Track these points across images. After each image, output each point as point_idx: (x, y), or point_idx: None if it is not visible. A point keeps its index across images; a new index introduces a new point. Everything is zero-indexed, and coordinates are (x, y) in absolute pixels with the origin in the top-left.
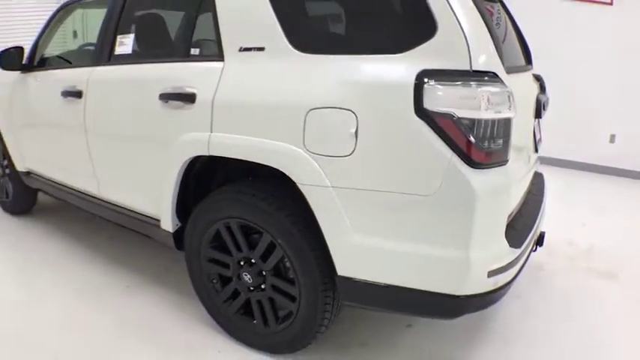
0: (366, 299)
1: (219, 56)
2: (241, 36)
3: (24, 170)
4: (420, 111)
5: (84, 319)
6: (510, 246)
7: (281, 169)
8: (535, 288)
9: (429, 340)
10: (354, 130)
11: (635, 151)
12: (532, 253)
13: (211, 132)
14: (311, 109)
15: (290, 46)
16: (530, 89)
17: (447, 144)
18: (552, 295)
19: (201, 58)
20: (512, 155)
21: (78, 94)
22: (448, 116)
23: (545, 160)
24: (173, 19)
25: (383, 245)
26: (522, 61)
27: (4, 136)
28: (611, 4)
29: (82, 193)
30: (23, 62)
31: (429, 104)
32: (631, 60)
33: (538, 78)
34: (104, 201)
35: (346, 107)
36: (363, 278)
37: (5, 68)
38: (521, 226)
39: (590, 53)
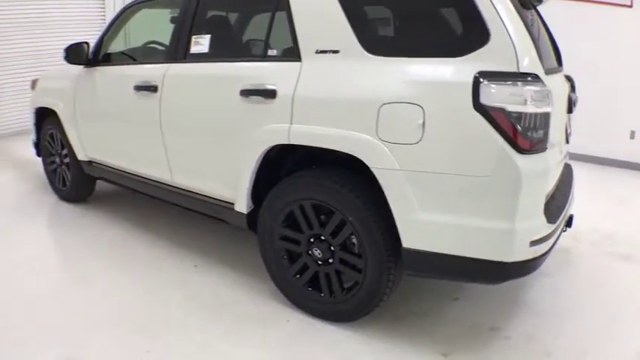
0: (427, 268)
1: (297, 57)
2: (317, 40)
3: (86, 159)
4: (477, 105)
5: (157, 293)
6: (547, 222)
7: (356, 155)
8: (563, 268)
9: (473, 311)
10: (421, 122)
11: None
12: (563, 234)
13: (291, 123)
14: (384, 104)
15: (363, 50)
16: (563, 88)
17: (499, 133)
18: (578, 274)
19: (279, 58)
20: (550, 144)
21: (153, 89)
22: (500, 110)
23: (569, 155)
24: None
25: (443, 219)
26: (555, 63)
27: (65, 127)
28: (631, 6)
29: (152, 180)
30: (89, 57)
31: (484, 100)
32: None
33: (569, 78)
34: (176, 187)
35: (415, 102)
36: (425, 249)
37: (71, 62)
38: (555, 207)
39: (610, 53)
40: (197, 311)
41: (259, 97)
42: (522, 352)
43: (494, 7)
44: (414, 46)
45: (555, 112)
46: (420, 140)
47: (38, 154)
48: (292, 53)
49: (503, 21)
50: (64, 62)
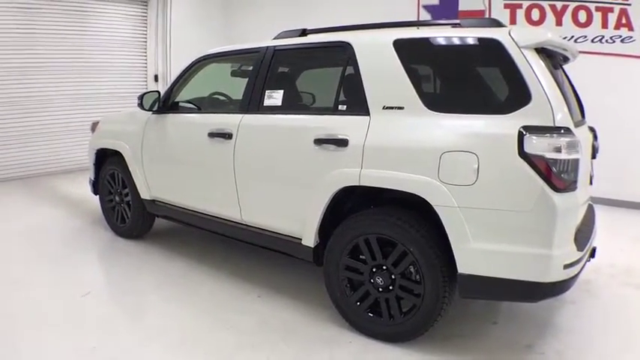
0: (478, 290)
1: (366, 112)
2: (384, 98)
3: (149, 198)
4: (522, 153)
5: (228, 320)
6: (577, 249)
7: (420, 195)
8: (586, 296)
9: (510, 332)
10: (476, 167)
11: None
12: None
13: (362, 168)
14: (444, 152)
15: (424, 107)
16: (588, 138)
17: (540, 175)
18: (599, 301)
19: (349, 112)
20: (579, 184)
21: (228, 136)
22: (540, 157)
23: (593, 199)
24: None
25: (492, 248)
26: (579, 116)
27: (130, 168)
28: None
29: (220, 218)
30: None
31: (527, 149)
32: None
33: (592, 129)
34: (245, 225)
35: (470, 150)
36: (477, 274)
37: (145, 109)
38: (582, 238)
39: (628, 101)
40: (268, 335)
41: (332, 146)
42: None
43: (535, 74)
44: (468, 105)
45: (583, 158)
46: (475, 182)
47: (95, 193)
48: (361, 108)
49: (542, 85)
50: (111, 105)
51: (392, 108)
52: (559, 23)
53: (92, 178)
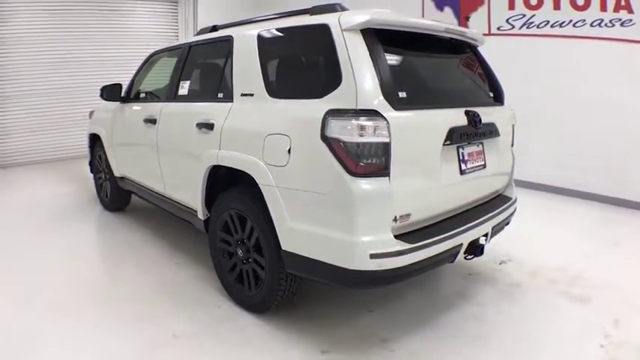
0: (298, 268)
1: (231, 99)
2: (242, 86)
3: (119, 175)
4: (323, 137)
5: (135, 278)
6: (403, 240)
7: (250, 174)
8: (500, 300)
9: (378, 323)
10: (288, 149)
11: None
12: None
13: (219, 149)
14: (267, 135)
15: (266, 93)
16: (444, 122)
17: (336, 159)
18: (513, 307)
19: (222, 99)
20: (405, 171)
21: (154, 122)
22: (337, 140)
23: (574, 194)
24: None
25: (303, 228)
26: (468, 100)
27: (106, 149)
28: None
29: (156, 192)
30: (122, 95)
31: (327, 132)
32: None
33: (468, 113)
34: (168, 198)
35: (284, 133)
36: (294, 252)
37: (105, 99)
38: (432, 231)
39: (629, 90)
40: (157, 292)
41: (205, 129)
42: None
43: (349, 58)
44: (297, 90)
45: (420, 143)
46: (287, 163)
47: (91, 172)
48: (229, 96)
49: (353, 69)
50: None
51: (246, 95)
52: (557, 7)
53: (89, 159)
